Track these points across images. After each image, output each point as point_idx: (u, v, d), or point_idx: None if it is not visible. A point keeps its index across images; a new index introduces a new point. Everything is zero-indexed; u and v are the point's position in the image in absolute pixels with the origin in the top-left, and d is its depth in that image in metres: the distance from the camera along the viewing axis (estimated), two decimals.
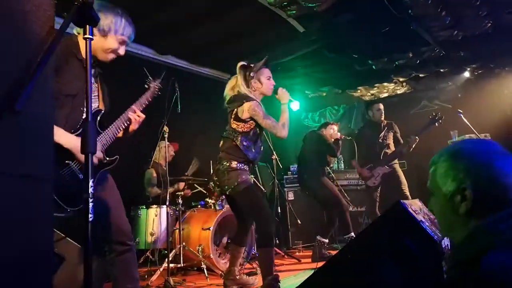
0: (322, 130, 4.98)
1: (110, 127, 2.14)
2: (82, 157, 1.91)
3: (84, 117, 2.02)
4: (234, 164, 2.93)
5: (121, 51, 2.17)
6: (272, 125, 2.95)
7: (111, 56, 2.15)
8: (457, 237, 1.10)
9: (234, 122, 2.98)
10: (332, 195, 4.53)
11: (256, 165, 3.33)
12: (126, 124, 2.21)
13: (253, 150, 2.99)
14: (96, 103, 2.15)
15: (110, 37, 2.08)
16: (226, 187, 2.94)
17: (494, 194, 1.04)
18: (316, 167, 4.72)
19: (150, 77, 2.44)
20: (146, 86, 2.41)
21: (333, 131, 4.94)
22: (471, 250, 0.99)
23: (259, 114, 2.93)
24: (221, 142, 3.10)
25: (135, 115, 2.23)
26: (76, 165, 1.97)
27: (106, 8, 2.07)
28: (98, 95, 2.17)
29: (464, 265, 0.97)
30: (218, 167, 3.00)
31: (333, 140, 4.85)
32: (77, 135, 1.96)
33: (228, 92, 3.11)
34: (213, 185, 4.22)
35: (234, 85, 3.09)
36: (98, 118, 2.12)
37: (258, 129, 3.02)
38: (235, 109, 2.98)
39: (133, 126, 2.25)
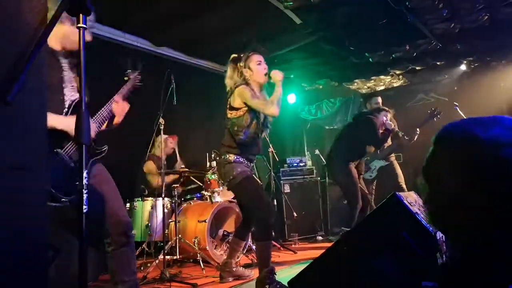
0: (376, 115, 4.64)
1: (95, 117, 2.11)
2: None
3: (66, 107, 1.99)
4: (231, 157, 2.93)
5: (89, 36, 2.05)
6: (260, 103, 2.92)
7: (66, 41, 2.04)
8: (451, 240, 0.93)
9: (229, 111, 3.00)
10: (352, 188, 4.38)
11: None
12: (110, 116, 2.17)
13: (244, 134, 2.95)
14: (75, 94, 2.08)
15: (66, 20, 1.96)
16: (223, 180, 3.01)
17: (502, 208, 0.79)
18: (349, 153, 4.50)
19: (128, 70, 2.39)
20: (125, 78, 2.36)
21: (385, 119, 4.59)
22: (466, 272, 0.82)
23: (247, 95, 2.91)
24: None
25: (119, 106, 2.19)
26: (65, 152, 1.94)
27: None
28: (75, 86, 2.11)
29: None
30: (218, 160, 3.06)
31: (383, 129, 4.57)
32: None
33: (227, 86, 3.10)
34: (209, 177, 4.25)
35: (229, 80, 3.07)
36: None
37: (251, 114, 2.97)
38: (229, 99, 3.01)
39: (118, 119, 2.22)
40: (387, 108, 4.76)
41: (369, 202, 4.56)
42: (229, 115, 2.99)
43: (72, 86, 2.08)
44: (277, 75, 3.02)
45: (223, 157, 2.97)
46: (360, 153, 4.59)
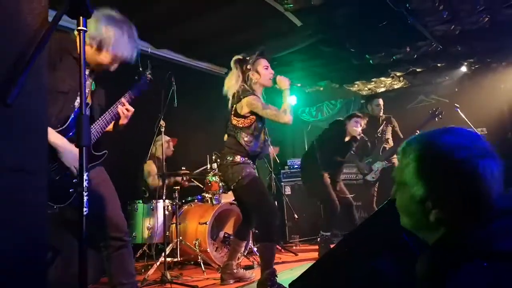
0: (346, 122, 4.50)
1: (97, 121, 2.11)
2: (66, 159, 1.90)
3: (72, 114, 1.99)
4: (237, 158, 2.92)
5: (112, 68, 2.09)
6: (273, 113, 2.90)
7: (100, 69, 2.08)
8: (426, 238, 1.02)
9: (235, 118, 2.96)
10: (324, 192, 4.28)
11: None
12: (115, 118, 2.16)
13: (254, 145, 2.96)
14: (87, 99, 2.09)
15: (105, 52, 2.01)
16: (230, 181, 2.94)
17: (470, 204, 0.93)
18: (320, 160, 4.38)
19: (140, 68, 2.39)
20: (136, 78, 2.34)
21: (354, 126, 4.41)
22: (439, 261, 0.91)
23: (258, 106, 2.88)
24: (225, 139, 3.09)
25: (124, 109, 2.18)
26: (60, 164, 1.93)
27: (112, 22, 1.99)
28: (88, 92, 2.11)
29: (433, 276, 0.90)
30: (222, 162, 3.00)
31: (350, 136, 4.46)
32: (61, 131, 1.94)
33: (227, 90, 3.05)
34: (210, 179, 4.24)
35: (232, 81, 3.03)
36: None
37: (259, 124, 2.97)
38: (234, 106, 2.96)
39: (122, 121, 2.20)
40: (360, 114, 4.59)
41: (352, 204, 4.45)
42: (235, 122, 2.95)
43: (86, 92, 2.09)
44: (283, 82, 3.00)
45: (229, 158, 2.94)
46: (330, 163, 4.39)
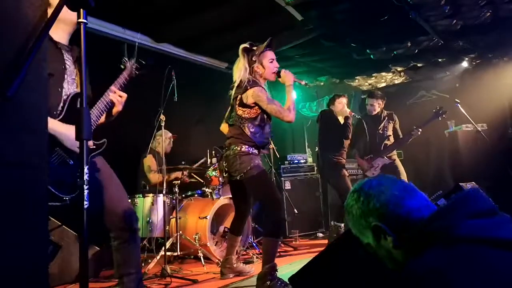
0: (331, 106, 4.67)
1: (92, 110, 2.07)
2: (70, 144, 1.89)
3: (63, 99, 1.96)
4: (244, 148, 2.86)
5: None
6: (277, 110, 2.85)
7: (72, 28, 2.01)
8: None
9: (240, 108, 2.91)
10: (344, 186, 4.39)
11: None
12: (109, 106, 2.13)
13: (260, 136, 2.92)
14: (74, 86, 2.05)
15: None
16: (237, 172, 2.85)
17: (401, 215, 1.08)
18: (330, 152, 4.50)
19: (125, 58, 2.35)
20: (122, 66, 2.29)
21: (342, 106, 4.56)
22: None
23: (263, 100, 2.84)
24: (228, 129, 3.04)
25: (116, 96, 2.15)
26: (63, 151, 1.92)
27: None
28: (76, 79, 2.08)
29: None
30: (228, 153, 2.91)
31: (343, 118, 4.55)
32: (60, 120, 1.92)
33: (235, 77, 3.00)
34: (210, 174, 4.23)
35: (239, 70, 2.97)
36: (79, 101, 2.04)
37: (265, 115, 2.94)
38: (240, 95, 2.91)
39: (117, 108, 2.17)
40: (338, 94, 4.75)
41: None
42: (240, 112, 2.90)
43: (73, 79, 2.05)
44: (287, 77, 2.97)
45: (235, 148, 2.87)
46: (338, 148, 4.56)
